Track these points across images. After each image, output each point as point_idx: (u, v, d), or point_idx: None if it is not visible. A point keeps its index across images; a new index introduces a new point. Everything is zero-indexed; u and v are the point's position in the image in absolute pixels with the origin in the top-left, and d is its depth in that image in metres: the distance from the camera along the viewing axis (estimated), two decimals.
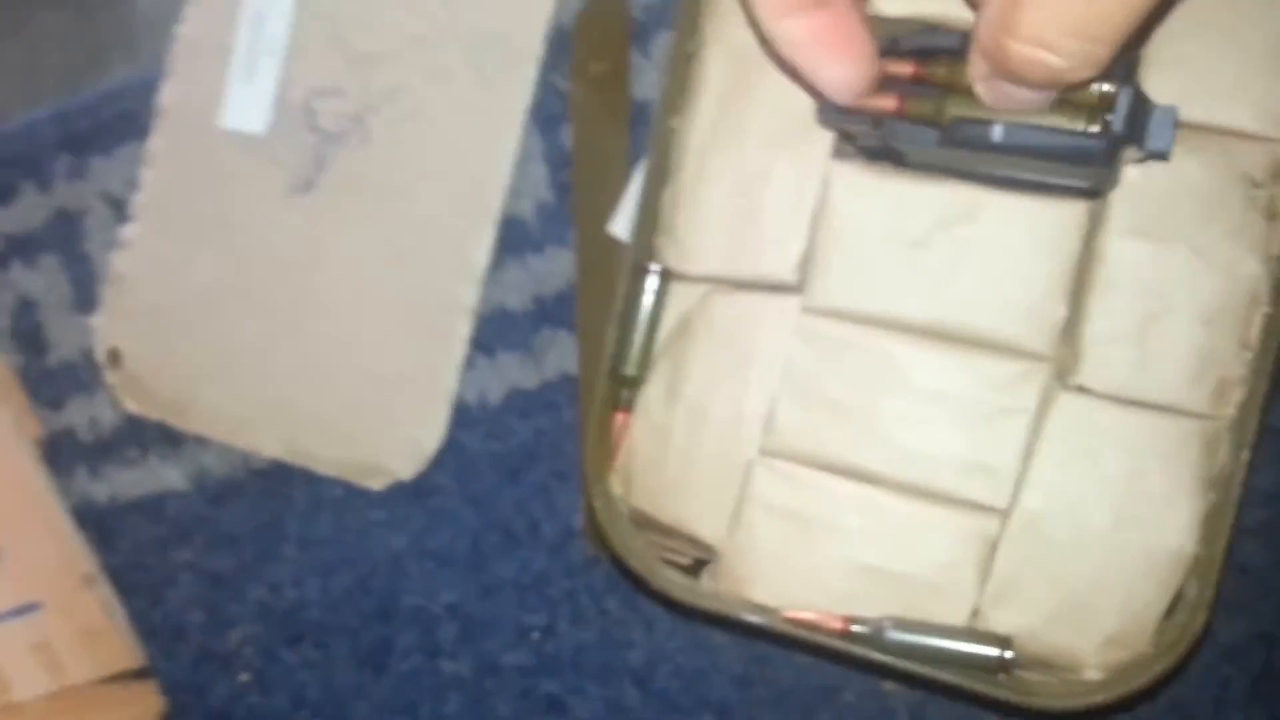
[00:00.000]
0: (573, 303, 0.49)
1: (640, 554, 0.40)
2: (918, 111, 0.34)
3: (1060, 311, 0.37)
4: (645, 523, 0.40)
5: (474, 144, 0.49)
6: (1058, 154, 0.33)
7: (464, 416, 0.50)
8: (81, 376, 0.55)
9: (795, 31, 0.32)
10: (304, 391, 0.51)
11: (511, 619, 0.51)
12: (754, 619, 0.38)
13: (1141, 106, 0.33)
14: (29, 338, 0.55)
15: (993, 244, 0.37)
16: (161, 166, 0.52)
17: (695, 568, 0.41)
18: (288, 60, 0.51)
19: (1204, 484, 0.36)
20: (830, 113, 0.36)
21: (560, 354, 0.50)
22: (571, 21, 0.49)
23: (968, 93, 0.33)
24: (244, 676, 0.54)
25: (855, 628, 0.38)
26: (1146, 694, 0.37)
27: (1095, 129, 0.32)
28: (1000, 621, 0.38)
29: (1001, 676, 0.37)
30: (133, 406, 0.53)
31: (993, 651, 0.37)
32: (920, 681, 0.39)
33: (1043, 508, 0.37)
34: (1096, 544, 0.37)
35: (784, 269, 0.39)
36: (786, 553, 0.39)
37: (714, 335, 0.39)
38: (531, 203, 0.50)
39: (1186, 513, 0.36)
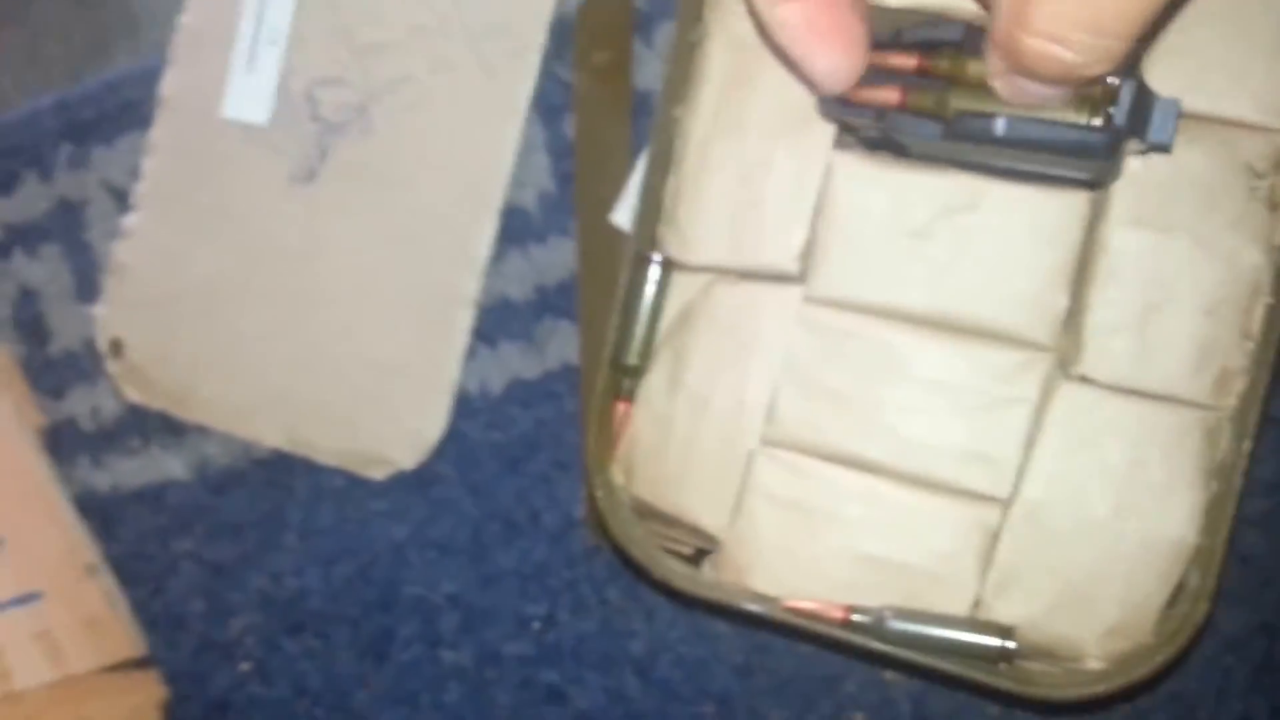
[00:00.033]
0: (574, 292, 0.49)
1: (641, 543, 0.40)
2: (920, 104, 0.34)
3: (1062, 301, 0.37)
4: (646, 512, 0.40)
5: (476, 134, 0.49)
6: (1060, 147, 0.33)
7: (465, 406, 0.50)
8: (83, 366, 0.55)
9: (790, 15, 0.32)
10: (306, 381, 0.51)
11: (512, 608, 0.51)
12: (755, 608, 0.38)
13: (1144, 99, 0.33)
14: (31, 327, 0.55)
15: (994, 234, 0.37)
16: (163, 156, 0.52)
17: (696, 557, 0.41)
18: (290, 50, 0.51)
19: (1205, 474, 0.36)
20: (832, 105, 0.36)
21: (562, 344, 0.50)
22: (574, 11, 0.49)
23: (971, 85, 0.33)
24: (245, 665, 0.54)
25: (856, 617, 0.38)
26: (1148, 684, 0.37)
27: (1098, 122, 0.32)
28: (1001, 611, 0.38)
29: (1003, 666, 0.37)
30: (134, 396, 0.53)
31: (994, 641, 0.37)
32: (921, 671, 0.39)
33: (1044, 498, 0.37)
34: (1098, 534, 0.37)
35: (786, 259, 0.39)
36: (788, 542, 0.39)
37: (716, 325, 0.39)
38: (534, 192, 0.50)
39: (1188, 503, 0.36)
